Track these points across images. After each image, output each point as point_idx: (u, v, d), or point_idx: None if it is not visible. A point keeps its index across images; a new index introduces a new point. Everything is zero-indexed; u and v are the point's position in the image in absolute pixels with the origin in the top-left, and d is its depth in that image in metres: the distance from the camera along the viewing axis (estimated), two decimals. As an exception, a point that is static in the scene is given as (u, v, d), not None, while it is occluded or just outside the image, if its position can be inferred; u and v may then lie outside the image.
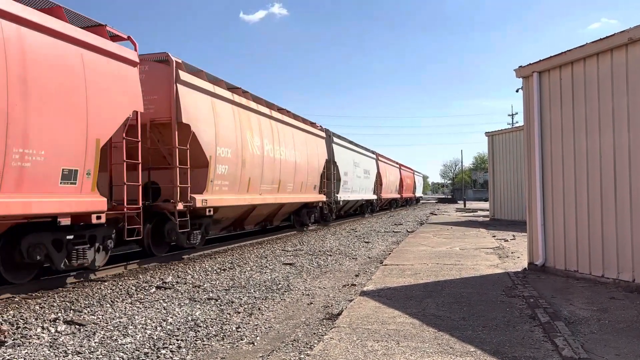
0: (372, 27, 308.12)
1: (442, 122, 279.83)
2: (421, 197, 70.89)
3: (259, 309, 6.57)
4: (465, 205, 52.06)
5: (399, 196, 44.40)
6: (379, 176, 33.98)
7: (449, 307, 6.22)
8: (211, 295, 7.44)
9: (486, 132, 25.63)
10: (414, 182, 56.48)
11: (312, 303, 6.94)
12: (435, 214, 33.98)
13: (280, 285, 8.16)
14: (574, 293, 7.08)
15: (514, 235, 15.93)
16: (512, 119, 73.41)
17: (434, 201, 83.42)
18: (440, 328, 5.26)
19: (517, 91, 9.72)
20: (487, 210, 29.93)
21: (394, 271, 9.13)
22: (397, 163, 44.39)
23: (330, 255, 12.08)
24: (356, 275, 9.16)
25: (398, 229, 20.81)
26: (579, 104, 8.01)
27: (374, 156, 35.26)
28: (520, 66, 9.15)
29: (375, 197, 35.32)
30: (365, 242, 15.22)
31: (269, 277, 8.93)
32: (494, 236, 16.02)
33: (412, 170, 55.53)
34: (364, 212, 33.01)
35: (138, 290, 7.86)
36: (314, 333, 5.42)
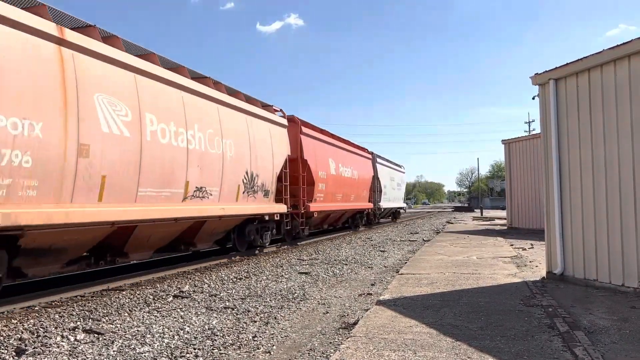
0: (387, 36, 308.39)
1: (458, 130, 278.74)
2: (403, 207, 41.30)
3: (275, 318, 6.58)
4: (482, 214, 51.59)
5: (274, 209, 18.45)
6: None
7: (466, 317, 6.17)
8: (227, 304, 7.48)
9: (503, 140, 25.45)
10: (376, 180, 28.91)
11: (328, 312, 6.93)
12: (452, 223, 33.73)
13: (296, 294, 8.16)
14: (593, 302, 6.98)
15: (532, 244, 15.75)
16: (529, 126, 72.64)
17: (451, 210, 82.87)
18: (458, 338, 5.22)
19: (533, 98, 9.67)
20: (505, 218, 29.63)
21: (410, 280, 9.08)
22: (330, 135, 21.61)
23: (346, 264, 12.06)
24: (372, 285, 9.12)
25: (414, 237, 20.70)
26: (597, 111, 7.93)
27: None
28: (536, 73, 9.10)
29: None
30: (381, 250, 15.16)
31: (285, 286, 8.94)
32: (512, 245, 15.85)
33: (368, 154, 28.22)
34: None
35: (156, 299, 7.93)
36: (330, 342, 5.41)
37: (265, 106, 14.87)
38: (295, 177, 16.76)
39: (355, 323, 6.05)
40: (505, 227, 25.50)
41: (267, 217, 14.39)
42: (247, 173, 12.68)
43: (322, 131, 20.72)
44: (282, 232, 16.34)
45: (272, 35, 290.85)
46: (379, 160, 30.26)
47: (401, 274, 9.98)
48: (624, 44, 7.41)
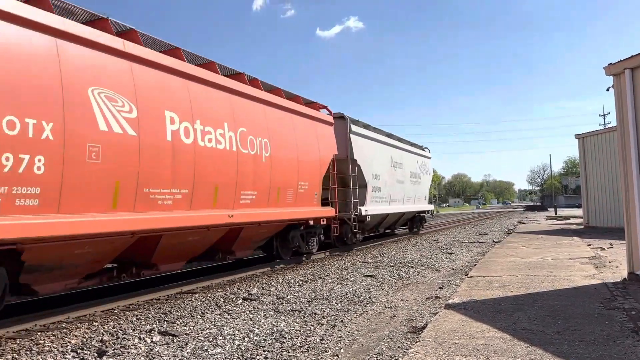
0: (451, 33, 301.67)
1: (528, 126, 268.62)
2: (429, 211, 26.80)
3: (342, 321, 6.58)
4: (556, 213, 49.32)
5: None
6: None
7: (541, 321, 5.91)
8: (294, 306, 7.56)
9: (576, 135, 24.22)
10: (350, 164, 15.93)
11: (395, 316, 6.85)
12: (524, 223, 32.47)
13: (361, 298, 8.13)
14: (683, 306, 6.48)
15: (611, 244, 14.87)
16: (604, 119, 68.90)
17: (522, 209, 79.87)
18: (533, 343, 5.00)
19: (607, 90, 9.14)
20: (581, 217, 28.19)
21: (481, 283, 8.81)
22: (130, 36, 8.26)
23: (412, 267, 11.88)
24: (440, 288, 8.94)
25: (483, 239, 20.09)
26: (681, 100, 7.38)
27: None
28: (610, 63, 8.60)
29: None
30: (449, 253, 14.82)
31: (351, 289, 8.93)
32: (589, 245, 15.03)
33: (323, 116, 14.40)
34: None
35: (226, 301, 8.14)
36: (399, 347, 5.34)
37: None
38: None
39: (423, 327, 5.94)
40: (582, 226, 24.23)
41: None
42: None
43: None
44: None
45: (332, 40, 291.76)
46: (356, 129, 16.69)
47: (470, 276, 9.70)
48: None
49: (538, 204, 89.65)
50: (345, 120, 16.03)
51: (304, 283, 9.87)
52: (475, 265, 11.52)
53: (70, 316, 7.13)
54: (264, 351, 5.30)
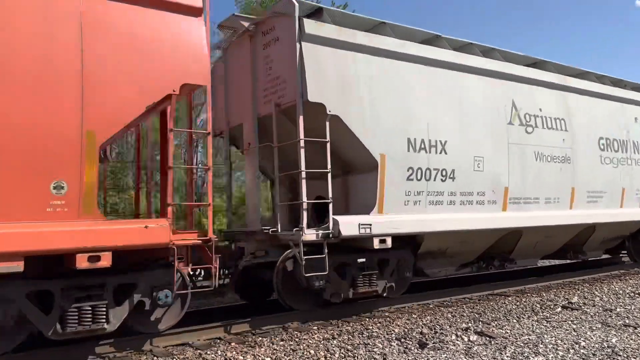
0: None
1: None
2: None
3: (698, 345, 5.45)
4: None
5: None
6: None
7: None
8: (627, 321, 6.62)
9: None
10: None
11: None
12: None
13: None
14: None
15: None
16: None
17: None
18: None
19: None
20: None
21: None
22: None
23: None
24: None
25: None
26: None
27: None
28: None
29: None
30: None
31: None
32: None
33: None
34: None
35: (543, 308, 7.67)
36: None
37: None
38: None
39: None
40: None
41: None
42: None
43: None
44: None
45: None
46: (327, 33, 6.67)
47: None
48: None
49: None
50: (292, 15, 6.54)
51: (636, 295, 8.55)
52: None
53: (391, 306, 7.80)
54: (595, 367, 4.79)
